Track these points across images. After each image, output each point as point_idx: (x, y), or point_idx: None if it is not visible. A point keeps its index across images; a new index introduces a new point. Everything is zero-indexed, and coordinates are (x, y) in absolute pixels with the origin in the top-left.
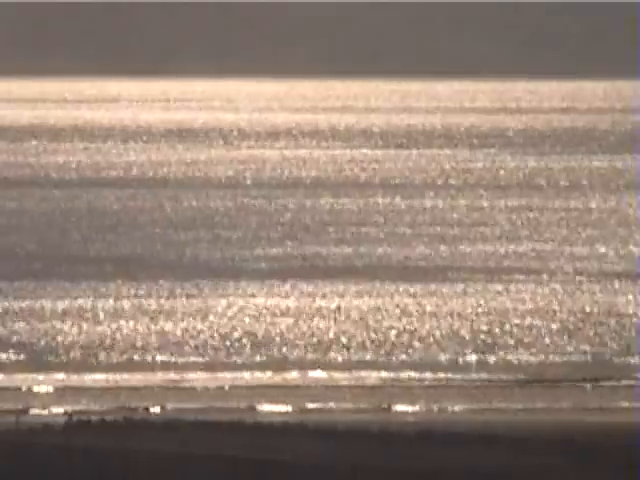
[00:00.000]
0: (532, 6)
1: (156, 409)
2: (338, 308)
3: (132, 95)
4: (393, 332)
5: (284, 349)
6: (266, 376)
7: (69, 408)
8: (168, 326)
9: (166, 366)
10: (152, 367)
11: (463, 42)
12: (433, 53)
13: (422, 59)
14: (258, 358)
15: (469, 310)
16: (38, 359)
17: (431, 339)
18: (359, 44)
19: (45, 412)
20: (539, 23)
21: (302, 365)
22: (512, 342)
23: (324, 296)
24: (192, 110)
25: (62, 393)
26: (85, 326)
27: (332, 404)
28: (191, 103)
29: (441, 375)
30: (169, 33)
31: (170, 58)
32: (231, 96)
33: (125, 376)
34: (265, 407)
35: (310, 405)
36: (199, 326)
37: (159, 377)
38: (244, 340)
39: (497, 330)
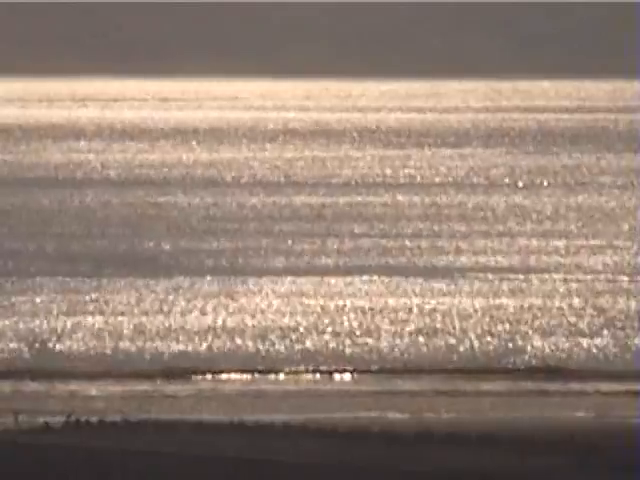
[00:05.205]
0: (532, 6)
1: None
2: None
3: (132, 95)
4: (392, 333)
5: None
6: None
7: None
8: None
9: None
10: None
11: (463, 42)
12: (433, 53)
13: (422, 59)
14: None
15: (471, 310)
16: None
17: (432, 340)
18: (359, 44)
19: (45, 412)
20: (539, 23)
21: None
22: (512, 344)
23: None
24: (192, 110)
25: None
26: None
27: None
28: (191, 103)
29: (442, 379)
30: (169, 33)
31: (170, 58)
32: (232, 96)
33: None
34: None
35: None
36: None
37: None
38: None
39: (500, 331)
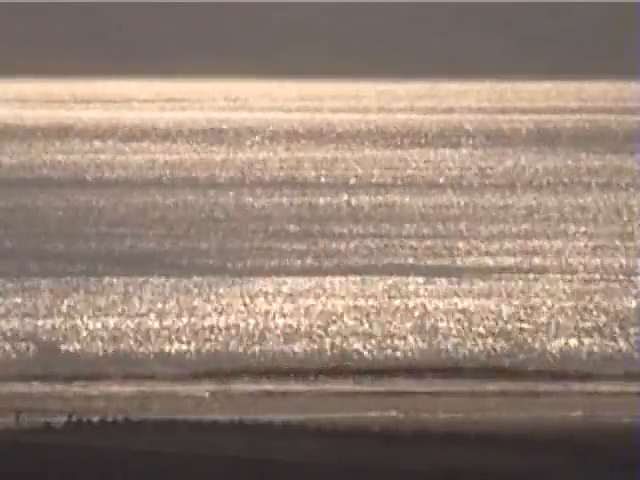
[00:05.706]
0: (532, 6)
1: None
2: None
3: (132, 95)
4: (392, 333)
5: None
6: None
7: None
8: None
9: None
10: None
11: (463, 42)
12: (433, 53)
13: (422, 59)
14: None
15: (471, 309)
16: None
17: (432, 340)
18: (359, 44)
19: (46, 412)
20: (539, 23)
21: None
22: (512, 344)
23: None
24: (193, 110)
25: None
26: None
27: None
28: (192, 103)
29: (442, 378)
30: (169, 33)
31: (170, 58)
32: (232, 96)
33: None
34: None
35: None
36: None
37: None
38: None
39: (500, 331)
